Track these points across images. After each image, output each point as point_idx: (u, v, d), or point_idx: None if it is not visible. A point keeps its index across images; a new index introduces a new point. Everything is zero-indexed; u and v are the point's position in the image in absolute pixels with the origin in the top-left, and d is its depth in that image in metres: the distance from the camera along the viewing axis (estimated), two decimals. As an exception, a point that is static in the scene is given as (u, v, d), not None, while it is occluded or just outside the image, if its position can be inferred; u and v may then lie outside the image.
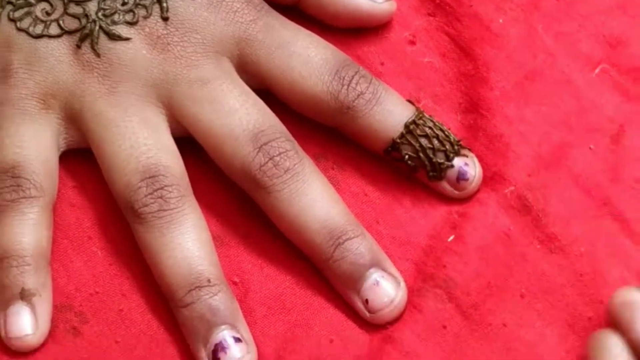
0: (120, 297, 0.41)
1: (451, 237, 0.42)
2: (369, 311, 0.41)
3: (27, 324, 0.39)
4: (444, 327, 0.41)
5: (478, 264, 0.42)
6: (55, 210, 0.42)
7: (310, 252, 0.41)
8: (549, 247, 0.42)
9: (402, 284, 0.41)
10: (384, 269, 0.41)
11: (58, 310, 0.41)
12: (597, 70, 0.46)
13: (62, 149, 0.43)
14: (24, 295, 0.39)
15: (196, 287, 0.39)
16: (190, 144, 0.43)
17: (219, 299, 0.40)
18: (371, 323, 0.41)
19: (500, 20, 0.46)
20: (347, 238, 0.41)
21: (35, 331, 0.40)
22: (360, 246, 0.41)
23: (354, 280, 0.41)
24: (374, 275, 0.41)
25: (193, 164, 0.43)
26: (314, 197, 0.41)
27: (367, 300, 0.41)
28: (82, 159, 0.43)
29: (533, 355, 0.40)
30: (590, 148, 0.44)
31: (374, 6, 0.46)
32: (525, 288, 0.41)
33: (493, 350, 0.40)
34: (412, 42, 0.47)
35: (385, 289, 0.41)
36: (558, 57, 0.45)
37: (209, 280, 0.40)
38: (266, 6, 0.44)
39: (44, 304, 0.40)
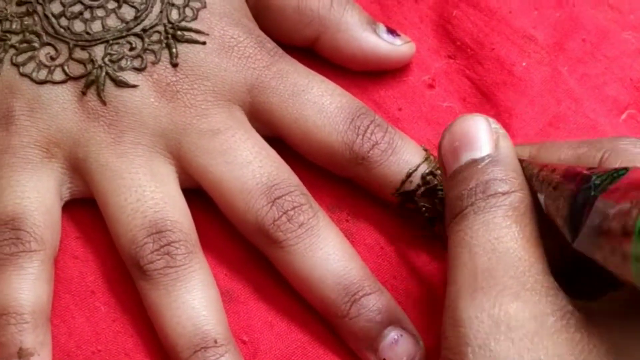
0: (123, 357, 0.40)
1: None
2: None
3: None
4: None
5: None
6: (57, 262, 0.41)
7: (324, 309, 0.40)
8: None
9: (421, 343, 0.40)
10: (402, 327, 0.39)
11: (58, 369, 0.39)
12: (624, 116, 0.44)
13: (65, 199, 0.42)
14: (22, 355, 0.38)
15: (202, 347, 0.38)
16: (199, 195, 0.41)
17: None
18: None
19: (524, 64, 0.44)
20: (363, 294, 0.39)
21: (33, 393, 0.38)
22: (377, 303, 0.39)
23: (371, 339, 0.39)
24: (392, 333, 0.39)
25: (202, 216, 0.42)
26: (328, 251, 0.39)
27: None
28: (87, 208, 0.42)
29: None
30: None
31: (393, 48, 0.44)
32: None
33: None
34: (432, 86, 0.45)
35: (404, 348, 0.39)
36: (583, 102, 0.44)
37: (215, 341, 0.38)
38: (280, 51, 0.42)
39: (43, 364, 0.38)
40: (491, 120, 0.36)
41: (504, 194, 0.34)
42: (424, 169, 0.41)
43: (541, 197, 0.34)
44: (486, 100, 0.44)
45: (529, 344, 0.31)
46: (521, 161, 0.36)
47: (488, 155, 0.35)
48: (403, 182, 0.41)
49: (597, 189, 0.31)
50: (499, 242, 0.34)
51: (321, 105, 0.41)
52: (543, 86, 0.44)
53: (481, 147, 0.36)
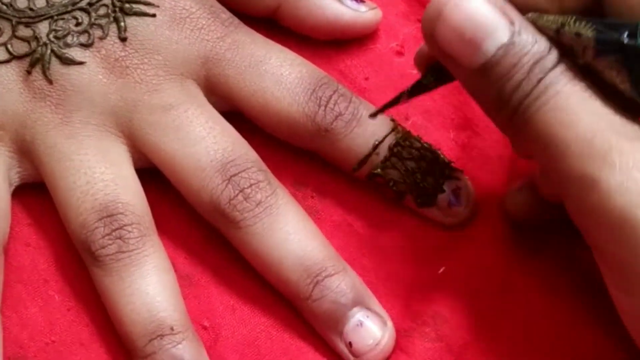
0: (78, 347, 0.38)
1: (442, 269, 0.39)
2: (353, 355, 0.37)
3: None
4: None
5: (468, 298, 0.38)
6: (8, 250, 0.39)
7: (286, 292, 0.38)
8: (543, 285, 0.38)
9: (389, 323, 0.38)
10: (368, 308, 0.37)
11: (10, 362, 0.38)
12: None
13: (15, 184, 0.40)
14: (-30, 350, 0.36)
15: (158, 335, 0.36)
16: (154, 174, 0.39)
17: (183, 348, 0.36)
18: None
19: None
20: (326, 275, 0.37)
21: (-18, 388, 0.36)
22: (341, 283, 0.37)
23: (336, 321, 0.37)
24: (358, 315, 0.37)
25: (157, 196, 0.40)
26: (288, 230, 0.38)
27: (350, 343, 0.37)
28: (38, 193, 0.40)
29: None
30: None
31: (357, 15, 0.42)
32: (519, 326, 0.37)
33: None
34: (400, 53, 0.43)
35: (370, 330, 0.37)
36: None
37: (171, 328, 0.36)
38: (235, 21, 0.40)
39: (-7, 358, 0.37)
40: None
41: (557, 63, 0.31)
42: (391, 140, 0.39)
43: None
44: (457, 65, 0.42)
45: None
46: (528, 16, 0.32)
47: (513, 32, 0.31)
48: (369, 155, 0.39)
49: None
50: (584, 102, 0.30)
51: (280, 76, 0.39)
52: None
53: (500, 25, 0.31)
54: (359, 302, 0.37)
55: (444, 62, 0.33)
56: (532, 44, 0.31)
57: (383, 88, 0.42)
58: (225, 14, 0.40)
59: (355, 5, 0.42)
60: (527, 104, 0.31)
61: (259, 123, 0.40)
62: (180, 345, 0.36)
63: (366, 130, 0.39)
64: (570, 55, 0.31)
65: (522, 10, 0.32)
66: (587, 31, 0.31)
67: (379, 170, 0.39)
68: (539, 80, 0.31)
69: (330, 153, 0.40)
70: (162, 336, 0.36)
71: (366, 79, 0.42)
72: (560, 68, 0.31)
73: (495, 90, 0.32)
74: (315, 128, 0.39)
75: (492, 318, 0.38)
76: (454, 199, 0.39)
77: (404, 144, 0.39)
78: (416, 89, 0.36)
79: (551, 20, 0.32)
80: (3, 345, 0.38)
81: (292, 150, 0.41)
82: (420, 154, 0.39)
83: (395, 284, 0.39)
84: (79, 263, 0.39)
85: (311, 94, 0.39)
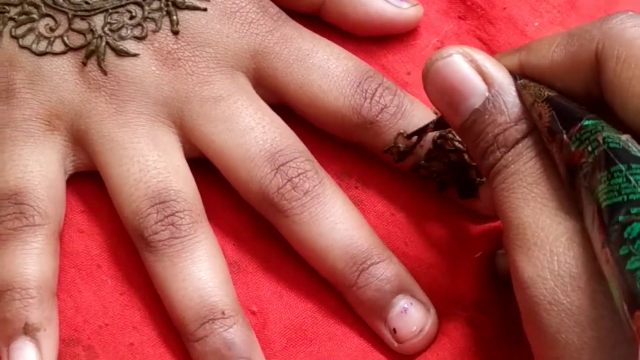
0: (131, 330, 0.39)
1: (479, 253, 0.39)
2: (397, 341, 0.38)
3: None
4: (474, 352, 0.38)
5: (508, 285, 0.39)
6: (63, 237, 0.40)
7: (332, 279, 0.39)
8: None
9: (432, 310, 0.39)
10: (412, 295, 0.38)
11: (65, 344, 0.39)
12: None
13: (69, 172, 0.41)
14: (28, 330, 0.37)
15: (209, 319, 0.37)
16: (204, 165, 0.40)
17: (234, 332, 0.37)
18: (399, 353, 0.38)
19: (536, 24, 0.43)
20: (371, 263, 0.38)
21: (40, 368, 0.37)
22: (386, 271, 0.38)
23: (380, 308, 0.38)
24: (402, 302, 0.38)
25: (207, 186, 0.41)
26: (335, 219, 0.38)
27: (394, 330, 0.38)
28: (92, 181, 0.41)
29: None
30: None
31: (399, 12, 0.43)
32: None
33: None
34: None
35: (414, 317, 0.38)
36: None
37: (223, 312, 0.37)
38: (283, 15, 0.41)
39: (50, 339, 0.38)
40: (462, 49, 0.34)
41: (522, 137, 0.32)
42: (435, 132, 0.40)
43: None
44: (497, 61, 0.43)
45: (597, 286, 0.30)
46: (518, 83, 0.33)
47: (487, 98, 0.33)
48: (413, 147, 0.40)
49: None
50: (536, 187, 0.32)
51: (327, 69, 0.40)
52: (556, 46, 0.43)
53: (475, 90, 0.33)
54: (403, 290, 0.38)
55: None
56: (502, 113, 0.33)
57: (424, 83, 0.43)
58: (274, 9, 0.41)
59: (397, 2, 0.43)
60: (492, 175, 0.33)
61: (306, 115, 0.41)
62: (231, 329, 0.37)
63: (411, 123, 0.40)
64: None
65: (527, 72, 0.34)
66: (545, 114, 0.32)
67: (422, 161, 0.40)
68: (502, 155, 0.32)
69: (376, 145, 0.40)
70: (213, 320, 0.37)
71: (408, 73, 0.43)
72: (527, 142, 0.32)
73: (473, 151, 0.34)
74: (361, 120, 0.40)
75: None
76: (496, 191, 0.40)
77: (448, 137, 0.40)
78: (441, 124, 0.38)
79: (531, 92, 0.33)
80: (58, 327, 0.39)
81: (336, 142, 0.42)
82: (463, 147, 0.40)
83: (437, 271, 0.40)
84: (131, 249, 0.40)
85: (357, 87, 0.40)
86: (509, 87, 0.33)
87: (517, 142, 0.32)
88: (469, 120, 0.33)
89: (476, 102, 0.33)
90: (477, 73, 0.33)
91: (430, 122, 0.38)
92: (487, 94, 0.33)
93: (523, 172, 0.32)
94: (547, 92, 0.32)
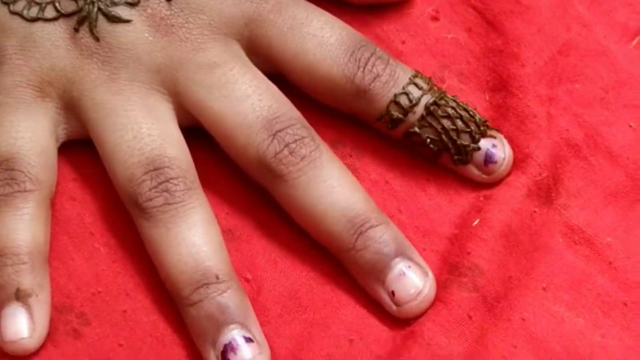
0: (124, 297, 0.39)
1: (476, 221, 0.39)
2: (396, 304, 0.38)
3: (23, 326, 0.37)
4: (470, 317, 0.38)
5: (502, 252, 0.39)
6: (55, 204, 0.40)
7: (329, 243, 0.39)
8: (573, 240, 0.39)
9: (430, 274, 0.38)
10: (410, 259, 0.38)
11: (57, 311, 0.38)
12: (635, 42, 0.43)
13: (61, 140, 0.41)
14: (20, 296, 0.37)
15: (203, 284, 0.37)
16: (197, 131, 0.40)
17: (228, 297, 0.37)
18: (397, 317, 0.38)
19: (532, -9, 0.43)
20: (370, 226, 0.38)
21: (32, 334, 0.37)
22: (384, 234, 0.38)
23: (379, 271, 0.38)
24: (400, 265, 0.38)
25: (201, 152, 0.40)
26: (332, 183, 0.38)
27: (393, 292, 0.38)
28: (84, 149, 0.41)
29: (562, 341, 0.37)
30: (630, 126, 0.40)
31: (393, -19, 0.43)
32: (549, 281, 0.38)
33: (515, 344, 0.37)
34: (436, 18, 0.44)
35: (413, 280, 0.38)
36: (593, 28, 0.42)
37: (217, 277, 0.37)
38: (278, -18, 0.41)
39: (42, 305, 0.38)
40: None
41: None
42: (427, 99, 0.40)
43: None
44: (492, 29, 0.43)
45: None
46: None
47: None
48: (406, 113, 0.40)
49: None
50: None
51: (321, 38, 0.40)
52: (551, 13, 0.43)
53: None
54: (401, 253, 0.38)
55: None
56: None
57: (419, 52, 0.43)
58: (268, -24, 0.41)
59: (392, -30, 0.43)
60: None
61: (300, 84, 0.41)
62: (225, 294, 0.37)
63: (402, 91, 0.40)
64: None
65: None
66: None
67: (415, 128, 0.40)
68: None
69: (369, 113, 0.40)
70: (207, 285, 0.37)
71: (403, 42, 0.43)
72: None
73: None
74: (354, 89, 0.40)
75: (526, 268, 0.38)
76: (490, 157, 0.40)
77: (440, 103, 0.40)
78: None
79: None
80: (50, 294, 0.38)
81: (330, 111, 0.41)
82: (456, 113, 0.40)
83: (432, 238, 0.40)
84: (124, 217, 0.39)
85: (350, 56, 0.40)
86: None
87: None
88: None
89: None
90: None
91: None
92: None
93: None
94: None
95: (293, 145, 0.38)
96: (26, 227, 0.38)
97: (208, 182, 0.40)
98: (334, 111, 0.41)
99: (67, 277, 0.39)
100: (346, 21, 0.42)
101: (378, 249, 0.38)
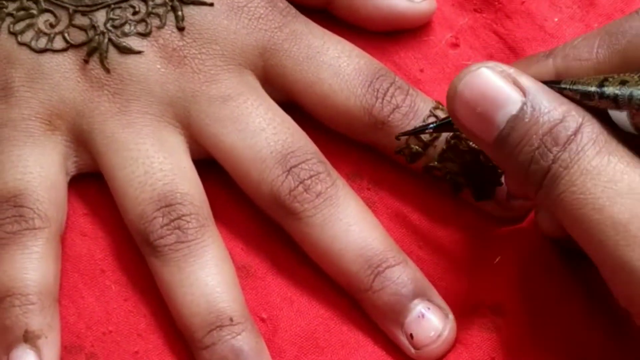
0: (135, 337, 0.38)
1: (497, 259, 0.38)
2: (414, 347, 0.37)
3: None
4: (492, 358, 0.36)
5: (524, 290, 0.38)
6: (65, 240, 0.39)
7: (346, 283, 0.38)
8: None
9: (451, 316, 0.37)
10: (429, 300, 0.37)
11: (67, 351, 0.37)
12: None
13: (71, 173, 0.40)
14: (28, 338, 0.36)
15: (217, 326, 0.36)
16: (211, 165, 0.39)
17: (242, 339, 0.36)
18: None
19: (556, 19, 0.42)
20: (387, 266, 0.37)
21: (41, 377, 0.36)
22: (402, 274, 0.37)
23: (397, 313, 0.37)
24: (419, 306, 0.37)
25: (215, 187, 0.39)
26: (349, 221, 0.37)
27: (411, 335, 0.37)
28: (95, 182, 0.40)
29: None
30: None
31: (411, 6, 0.42)
32: (575, 316, 0.37)
33: None
34: (455, 45, 0.43)
35: (432, 322, 0.37)
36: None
37: (231, 319, 0.36)
38: (293, 11, 0.40)
39: (51, 346, 0.37)
40: (490, 63, 0.32)
41: (576, 132, 0.30)
42: (448, 133, 0.38)
43: (620, 114, 0.30)
44: (514, 56, 0.42)
45: None
46: (558, 84, 0.32)
47: (524, 103, 0.31)
48: (426, 147, 0.38)
49: None
50: (616, 182, 0.30)
51: (338, 68, 0.39)
52: (574, 41, 0.42)
53: (510, 97, 0.31)
54: (420, 294, 0.37)
55: (467, 137, 0.33)
56: (544, 114, 0.31)
57: (438, 80, 0.42)
58: (283, 3, 0.40)
59: (409, -6, 0.42)
60: (550, 182, 0.31)
61: (316, 115, 0.40)
62: (239, 337, 0.36)
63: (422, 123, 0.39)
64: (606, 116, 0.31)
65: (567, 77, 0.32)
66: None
67: (435, 162, 0.39)
68: (557, 154, 0.30)
69: (387, 145, 0.39)
70: (221, 327, 0.36)
71: (421, 70, 0.42)
72: (585, 137, 0.30)
73: (512, 164, 0.32)
74: (372, 121, 0.39)
75: (549, 308, 0.37)
76: (513, 193, 0.39)
77: (462, 136, 0.39)
78: (443, 127, 0.37)
79: (579, 87, 0.31)
80: (60, 334, 0.37)
81: (347, 142, 0.40)
82: (477, 147, 0.39)
83: (453, 275, 0.39)
84: (136, 254, 0.38)
85: (368, 87, 0.39)
86: (545, 89, 0.31)
87: (570, 139, 0.30)
88: (506, 129, 0.31)
89: (512, 109, 0.31)
90: (510, 82, 0.31)
91: (431, 124, 0.37)
92: (523, 99, 0.31)
93: (593, 169, 0.30)
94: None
95: (308, 182, 0.37)
96: (35, 266, 0.37)
97: (221, 216, 0.39)
98: (351, 141, 0.40)
99: (77, 315, 0.38)
100: (362, 47, 0.41)
101: (396, 290, 0.37)
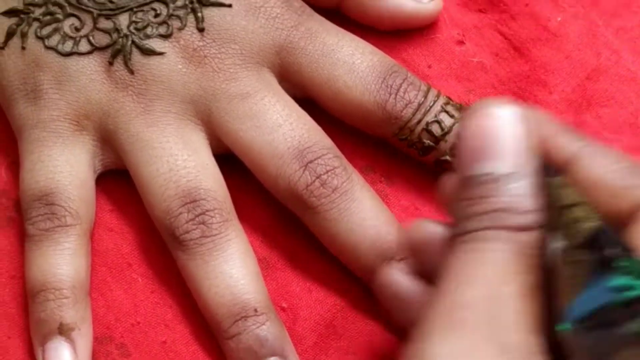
0: (163, 328, 0.39)
1: None
2: None
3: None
4: None
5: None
6: (93, 235, 0.41)
7: (362, 273, 0.39)
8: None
9: None
10: None
11: (98, 342, 0.39)
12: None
13: (98, 171, 0.41)
14: (63, 330, 0.38)
15: (242, 317, 0.37)
16: (232, 160, 0.41)
17: (267, 329, 0.38)
18: None
19: (559, 19, 0.43)
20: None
21: (75, 367, 0.38)
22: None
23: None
24: None
25: (235, 182, 0.41)
26: (364, 215, 0.39)
27: None
28: (119, 179, 0.41)
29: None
30: (661, 152, 0.41)
31: (418, 6, 0.43)
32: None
33: None
34: (461, 42, 0.44)
35: None
36: (622, 54, 0.42)
37: (255, 310, 0.38)
38: (308, 10, 0.41)
39: (84, 338, 0.38)
40: (525, 109, 0.30)
41: (519, 229, 0.28)
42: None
43: (558, 244, 0.28)
44: (519, 55, 0.43)
45: None
46: (551, 178, 0.29)
47: (508, 174, 0.29)
48: (438, 141, 0.40)
49: None
50: (498, 286, 0.28)
51: (352, 65, 0.40)
52: (579, 40, 0.43)
53: (503, 158, 0.29)
54: None
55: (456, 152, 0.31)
56: (513, 195, 0.29)
57: (445, 76, 0.43)
58: (298, 3, 0.41)
59: (417, -4, 0.43)
60: (458, 240, 0.29)
61: (331, 110, 0.41)
62: (264, 326, 0.38)
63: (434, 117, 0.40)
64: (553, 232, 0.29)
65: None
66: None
67: (447, 157, 0.40)
68: (486, 230, 0.29)
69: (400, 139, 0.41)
70: (246, 317, 0.37)
71: (429, 67, 0.43)
72: (523, 236, 0.28)
73: (455, 202, 0.30)
74: (385, 116, 0.40)
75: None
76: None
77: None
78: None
79: (569, 199, 0.29)
80: (92, 326, 0.39)
81: (360, 136, 0.42)
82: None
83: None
84: (161, 247, 0.40)
85: (382, 82, 0.40)
86: (537, 177, 0.29)
87: (511, 228, 0.28)
88: (477, 178, 0.29)
89: (497, 168, 0.29)
90: (517, 144, 0.29)
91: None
92: (512, 169, 0.29)
93: (496, 261, 0.28)
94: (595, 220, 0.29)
95: (325, 177, 0.39)
96: (68, 261, 0.38)
97: (241, 209, 0.41)
98: (365, 135, 0.42)
99: (106, 308, 0.40)
100: (373, 45, 0.42)
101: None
